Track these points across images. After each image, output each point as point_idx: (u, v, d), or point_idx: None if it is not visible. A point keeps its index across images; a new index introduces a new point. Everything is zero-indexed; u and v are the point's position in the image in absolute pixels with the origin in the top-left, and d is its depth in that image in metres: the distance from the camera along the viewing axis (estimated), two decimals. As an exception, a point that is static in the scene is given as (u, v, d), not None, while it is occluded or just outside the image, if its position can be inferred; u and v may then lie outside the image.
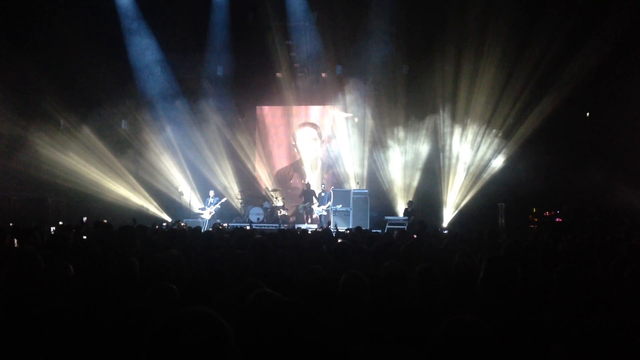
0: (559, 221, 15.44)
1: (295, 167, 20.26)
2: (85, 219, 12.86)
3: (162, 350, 1.54)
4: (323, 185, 17.88)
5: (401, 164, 18.53)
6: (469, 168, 18.05)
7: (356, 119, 19.21)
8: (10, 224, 12.03)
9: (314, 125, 20.23)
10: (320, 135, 20.11)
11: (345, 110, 19.19)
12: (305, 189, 18.29)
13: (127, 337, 2.39)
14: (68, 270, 3.81)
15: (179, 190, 18.86)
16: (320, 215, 17.12)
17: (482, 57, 16.76)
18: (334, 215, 16.93)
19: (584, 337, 2.60)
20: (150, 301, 3.08)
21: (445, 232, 14.93)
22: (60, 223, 12.73)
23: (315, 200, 17.92)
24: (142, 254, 5.04)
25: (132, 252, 4.98)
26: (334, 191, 17.51)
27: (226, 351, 1.58)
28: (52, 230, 11.05)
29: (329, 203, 17.12)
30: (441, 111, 18.06)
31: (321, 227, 14.19)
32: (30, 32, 16.15)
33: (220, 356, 1.56)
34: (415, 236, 9.92)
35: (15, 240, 7.23)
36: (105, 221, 11.07)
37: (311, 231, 11.42)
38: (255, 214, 18.07)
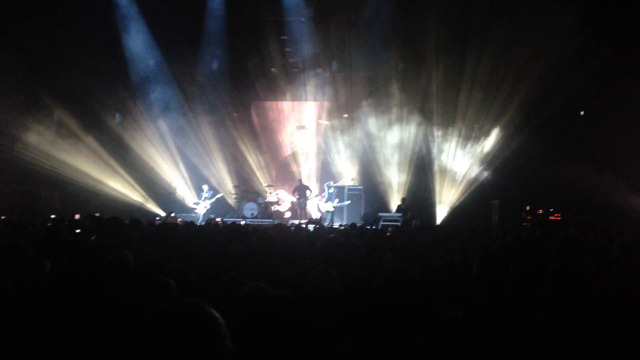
0: (552, 219, 15.53)
1: (293, 158, 20.22)
2: (77, 216, 12.79)
3: (148, 344, 1.45)
4: (329, 182, 17.84)
5: (395, 160, 18.55)
6: (462, 166, 18.09)
7: (329, 123, 19.25)
8: (2, 217, 11.98)
9: (304, 128, 20.13)
10: (315, 133, 20.03)
11: (338, 106, 19.22)
12: (299, 184, 18.25)
13: (120, 331, 2.38)
14: (44, 266, 3.77)
15: (173, 185, 18.81)
16: (328, 212, 17.09)
17: (477, 55, 16.77)
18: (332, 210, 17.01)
19: (575, 335, 2.62)
20: (148, 295, 3.08)
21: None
22: (53, 216, 12.67)
23: (308, 196, 17.87)
24: (137, 248, 5.02)
25: (128, 245, 4.97)
26: (327, 187, 17.54)
27: (218, 346, 1.50)
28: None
29: (337, 200, 17.11)
30: (436, 108, 18.08)
31: (316, 223, 14.17)
32: (23, 24, 16.01)
33: (213, 351, 1.49)
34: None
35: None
36: (97, 215, 11.04)
37: (304, 226, 11.42)
38: (249, 209, 18.05)
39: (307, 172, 19.72)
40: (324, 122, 19.65)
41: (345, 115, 19.13)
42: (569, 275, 3.40)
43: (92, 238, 6.17)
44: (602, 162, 15.58)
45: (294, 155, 20.16)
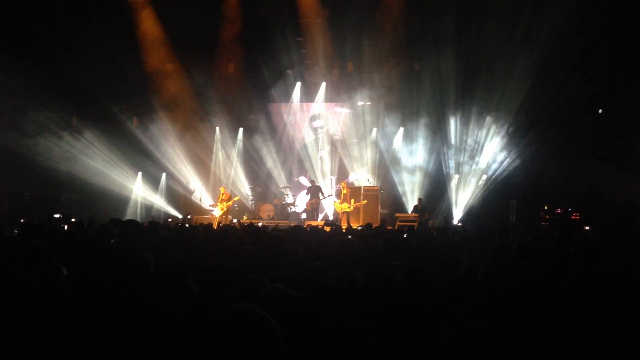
0: (571, 218, 15.38)
1: (306, 152, 20.22)
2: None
3: (214, 346, 1.58)
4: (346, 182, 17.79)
5: (411, 161, 18.50)
6: (480, 166, 17.98)
7: (349, 111, 19.29)
8: (22, 220, 12.14)
9: (321, 117, 20.15)
10: (330, 124, 20.04)
11: (354, 107, 19.24)
12: (312, 186, 18.20)
13: (140, 331, 2.40)
14: (60, 270, 3.79)
15: (190, 187, 18.95)
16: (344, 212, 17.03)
17: (493, 54, 16.64)
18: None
19: (597, 336, 2.59)
20: (168, 298, 3.10)
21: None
22: (73, 220, 12.81)
23: (322, 197, 17.73)
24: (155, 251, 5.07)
25: (145, 248, 5.01)
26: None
27: (276, 350, 1.62)
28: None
29: (352, 200, 16.98)
30: (452, 108, 18.00)
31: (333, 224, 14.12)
32: (43, 30, 16.23)
33: (273, 352, 1.61)
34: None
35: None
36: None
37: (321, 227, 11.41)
38: (266, 210, 18.09)
39: (320, 167, 19.65)
40: (342, 109, 19.65)
41: (361, 103, 19.05)
42: (593, 277, 3.35)
43: (112, 240, 6.24)
44: (621, 161, 15.38)
45: (307, 147, 20.04)
